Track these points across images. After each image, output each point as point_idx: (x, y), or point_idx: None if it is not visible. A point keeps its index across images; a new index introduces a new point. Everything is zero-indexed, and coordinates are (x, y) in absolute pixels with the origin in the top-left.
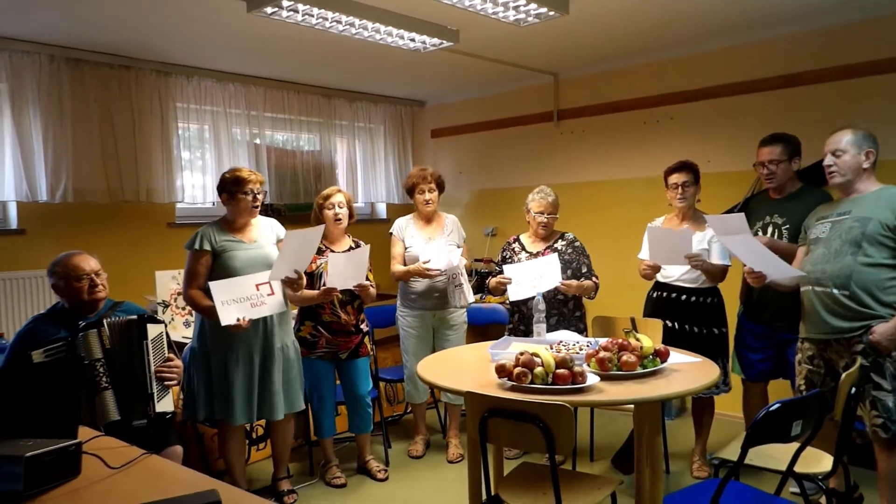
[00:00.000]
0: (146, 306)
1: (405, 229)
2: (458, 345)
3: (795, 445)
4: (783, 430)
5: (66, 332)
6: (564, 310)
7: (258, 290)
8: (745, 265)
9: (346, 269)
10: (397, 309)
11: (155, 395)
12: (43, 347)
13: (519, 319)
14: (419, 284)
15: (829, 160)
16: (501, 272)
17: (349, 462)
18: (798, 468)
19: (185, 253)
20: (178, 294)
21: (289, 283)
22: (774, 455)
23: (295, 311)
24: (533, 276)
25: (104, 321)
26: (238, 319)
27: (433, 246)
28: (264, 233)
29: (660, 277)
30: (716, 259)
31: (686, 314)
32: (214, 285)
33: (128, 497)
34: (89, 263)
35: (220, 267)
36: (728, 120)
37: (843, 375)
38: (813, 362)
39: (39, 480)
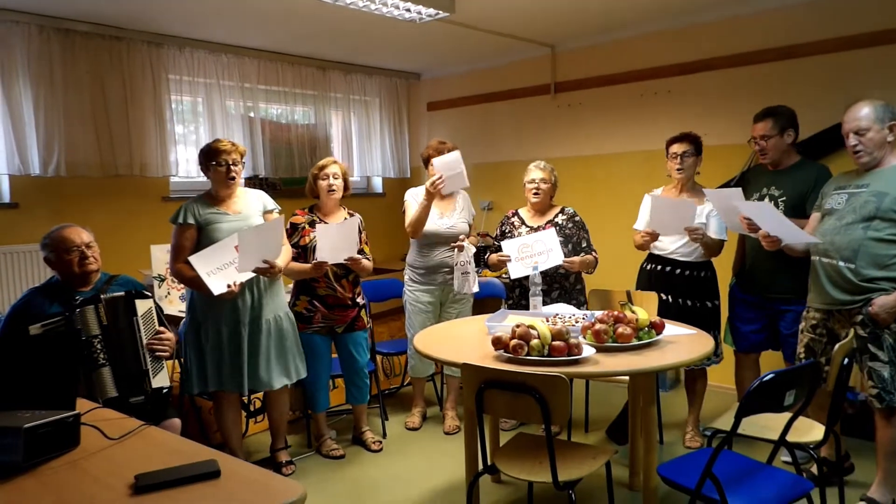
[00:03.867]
0: (142, 280)
1: (419, 197)
2: (466, 316)
3: (788, 415)
4: (776, 400)
5: (60, 306)
6: (566, 283)
7: (238, 251)
8: (759, 230)
9: (336, 241)
10: (405, 283)
11: (150, 371)
12: (41, 322)
13: (520, 294)
14: (427, 259)
15: (853, 140)
16: (500, 248)
17: (345, 434)
18: (790, 437)
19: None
20: None
21: (261, 273)
22: (767, 425)
23: (290, 286)
24: (533, 252)
25: (102, 297)
26: (228, 286)
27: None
28: (251, 204)
29: (654, 250)
30: (713, 233)
31: (679, 287)
32: (195, 259)
33: (127, 467)
34: (80, 236)
35: (206, 239)
36: (726, 92)
37: (837, 346)
38: (815, 331)
39: (39, 451)
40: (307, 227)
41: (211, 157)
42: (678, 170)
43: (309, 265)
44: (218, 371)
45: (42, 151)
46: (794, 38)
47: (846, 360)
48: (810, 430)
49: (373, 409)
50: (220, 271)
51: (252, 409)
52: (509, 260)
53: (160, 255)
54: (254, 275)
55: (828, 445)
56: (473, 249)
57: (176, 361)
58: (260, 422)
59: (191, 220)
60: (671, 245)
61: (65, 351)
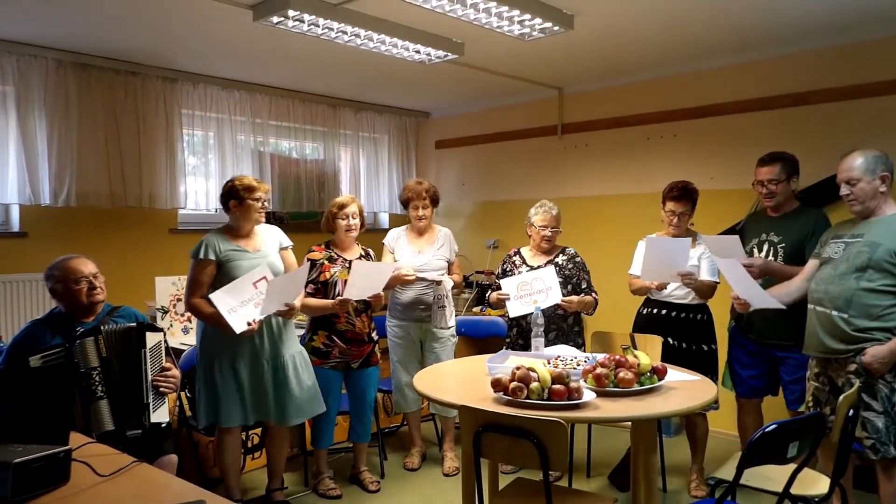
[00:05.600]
0: (146, 312)
1: (397, 240)
2: (445, 358)
3: (792, 466)
4: (779, 451)
5: (62, 338)
6: (564, 325)
7: (256, 287)
8: (732, 290)
9: (367, 280)
10: (386, 319)
11: (150, 405)
12: (41, 353)
13: (518, 333)
14: (405, 296)
15: (844, 190)
16: (500, 287)
17: (342, 472)
18: (795, 490)
19: (187, 259)
20: (178, 300)
21: (282, 314)
22: (771, 476)
23: (304, 321)
24: (532, 290)
25: (102, 328)
26: (248, 323)
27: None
28: (268, 241)
29: (651, 294)
30: (705, 276)
31: (676, 331)
32: (215, 296)
33: None
34: (88, 266)
35: (224, 277)
36: (732, 137)
37: (841, 398)
38: (819, 379)
39: (27, 487)
40: (326, 262)
41: (250, 191)
42: (675, 228)
43: (331, 301)
44: (223, 402)
45: (53, 182)
46: (803, 85)
47: (851, 412)
48: (815, 483)
49: (371, 447)
50: (240, 308)
51: (249, 444)
52: (508, 298)
53: (165, 287)
54: (271, 312)
55: (835, 499)
56: (451, 283)
57: (177, 395)
58: (257, 458)
59: (211, 256)
60: (667, 288)
61: (61, 384)
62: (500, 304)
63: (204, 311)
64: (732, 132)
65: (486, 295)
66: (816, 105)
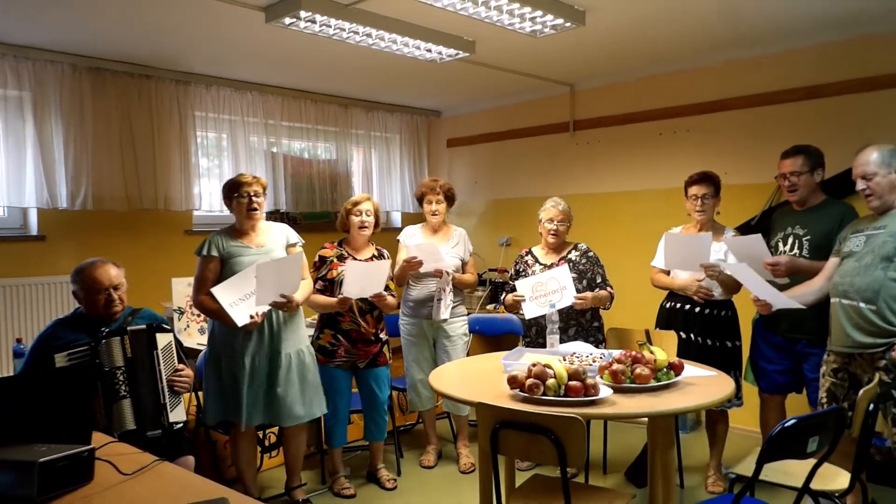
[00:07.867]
0: (163, 313)
1: (412, 237)
2: (458, 356)
3: (812, 462)
4: (799, 446)
5: (86, 337)
6: (582, 320)
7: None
8: (751, 293)
9: (362, 279)
10: (399, 317)
11: (167, 405)
12: (67, 352)
13: (537, 332)
14: (416, 291)
15: (861, 185)
16: (515, 288)
17: (360, 470)
18: (814, 485)
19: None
20: None
21: (278, 307)
22: (790, 471)
23: (313, 319)
24: (547, 290)
25: (128, 329)
26: (251, 317)
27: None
28: (274, 237)
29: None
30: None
31: (699, 326)
32: (216, 290)
33: (139, 503)
34: (109, 277)
35: (229, 272)
36: (745, 132)
37: (861, 392)
38: (837, 375)
39: (52, 486)
40: (335, 260)
41: (233, 189)
42: (699, 212)
43: (335, 299)
44: (233, 402)
45: (70, 185)
46: (816, 78)
47: (871, 406)
48: (835, 478)
49: (388, 445)
50: (242, 302)
51: (267, 443)
52: (524, 300)
53: (181, 288)
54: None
55: (854, 494)
56: (451, 275)
57: (192, 395)
58: (274, 457)
59: (214, 253)
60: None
61: (84, 384)
62: (516, 306)
63: (209, 307)
64: (745, 127)
65: (501, 297)
66: (829, 98)
